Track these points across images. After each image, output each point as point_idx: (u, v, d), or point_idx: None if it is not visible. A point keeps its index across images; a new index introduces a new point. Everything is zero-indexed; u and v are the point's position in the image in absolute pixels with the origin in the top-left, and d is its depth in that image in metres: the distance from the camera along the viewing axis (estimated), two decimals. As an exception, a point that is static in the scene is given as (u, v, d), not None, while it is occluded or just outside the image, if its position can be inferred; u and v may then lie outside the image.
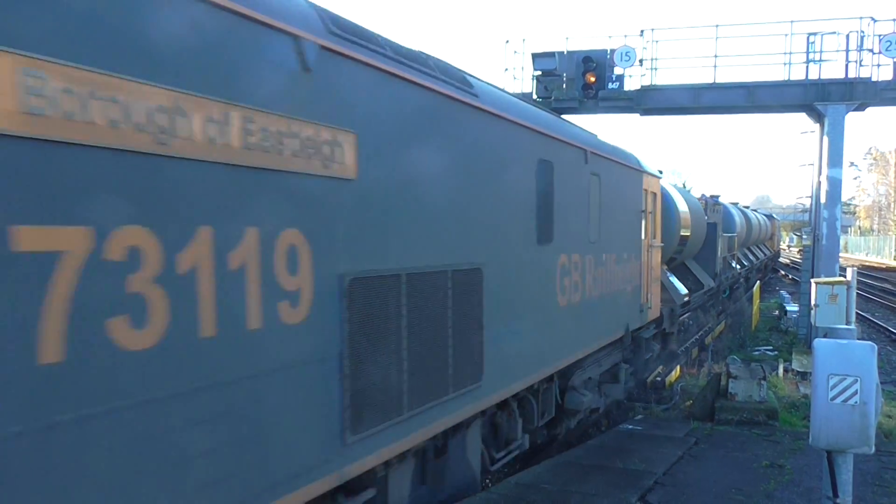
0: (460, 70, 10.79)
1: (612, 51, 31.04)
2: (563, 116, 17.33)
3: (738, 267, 48.27)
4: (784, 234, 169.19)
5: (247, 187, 6.59)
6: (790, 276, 76.63)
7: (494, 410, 12.14)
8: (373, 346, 8.04)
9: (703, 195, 42.63)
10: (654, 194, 21.11)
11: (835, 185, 28.80)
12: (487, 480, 13.50)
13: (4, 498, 5.04)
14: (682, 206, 28.48)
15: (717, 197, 47.44)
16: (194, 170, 6.17)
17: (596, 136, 16.76)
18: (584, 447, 15.23)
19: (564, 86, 31.69)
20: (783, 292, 49.97)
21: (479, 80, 11.37)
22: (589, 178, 15.04)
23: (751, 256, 57.31)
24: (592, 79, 31.03)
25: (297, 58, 7.17)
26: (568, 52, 31.79)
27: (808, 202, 33.79)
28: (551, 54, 31.89)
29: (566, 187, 13.66)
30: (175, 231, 6.03)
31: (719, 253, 37.65)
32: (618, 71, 31.11)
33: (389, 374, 8.31)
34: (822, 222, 28.98)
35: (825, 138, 28.80)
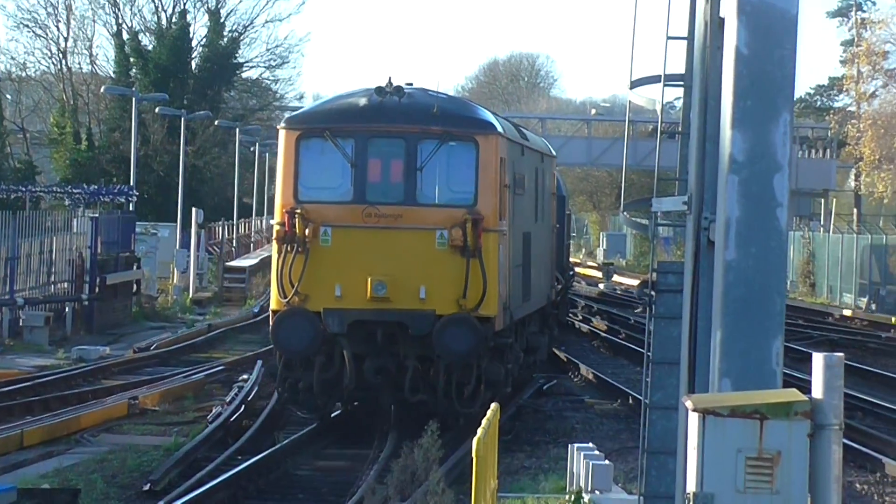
0: (521, 127, 24.74)
1: None
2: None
3: (559, 286, 28.68)
4: (591, 223, 72.85)
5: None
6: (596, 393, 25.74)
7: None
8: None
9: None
10: (554, 175, 27.08)
11: (782, 33, 7.77)
12: None
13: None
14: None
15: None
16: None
17: (544, 140, 28.84)
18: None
19: None
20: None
21: (524, 129, 24.89)
22: (544, 172, 24.57)
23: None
24: None
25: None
26: None
27: (656, 105, 9.46)
28: None
29: (540, 182, 23.82)
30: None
31: (566, 246, 31.51)
32: None
33: (528, 276, 22.12)
34: (722, 171, 7.90)
35: None
